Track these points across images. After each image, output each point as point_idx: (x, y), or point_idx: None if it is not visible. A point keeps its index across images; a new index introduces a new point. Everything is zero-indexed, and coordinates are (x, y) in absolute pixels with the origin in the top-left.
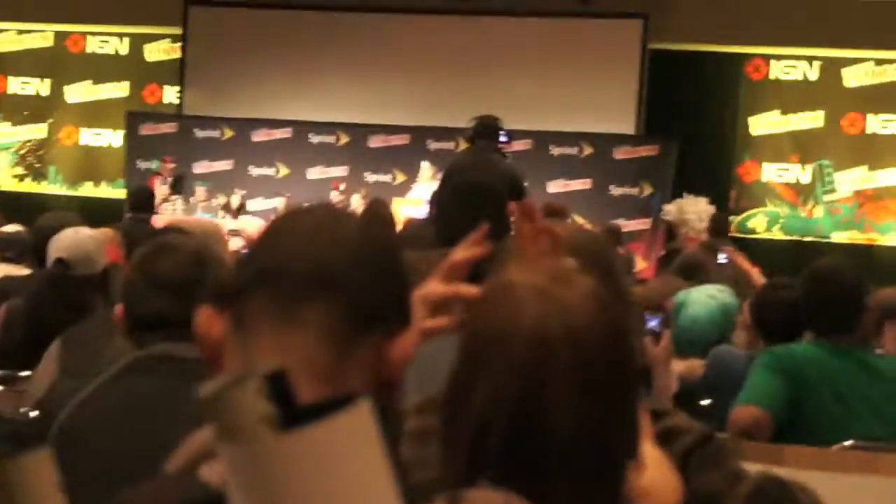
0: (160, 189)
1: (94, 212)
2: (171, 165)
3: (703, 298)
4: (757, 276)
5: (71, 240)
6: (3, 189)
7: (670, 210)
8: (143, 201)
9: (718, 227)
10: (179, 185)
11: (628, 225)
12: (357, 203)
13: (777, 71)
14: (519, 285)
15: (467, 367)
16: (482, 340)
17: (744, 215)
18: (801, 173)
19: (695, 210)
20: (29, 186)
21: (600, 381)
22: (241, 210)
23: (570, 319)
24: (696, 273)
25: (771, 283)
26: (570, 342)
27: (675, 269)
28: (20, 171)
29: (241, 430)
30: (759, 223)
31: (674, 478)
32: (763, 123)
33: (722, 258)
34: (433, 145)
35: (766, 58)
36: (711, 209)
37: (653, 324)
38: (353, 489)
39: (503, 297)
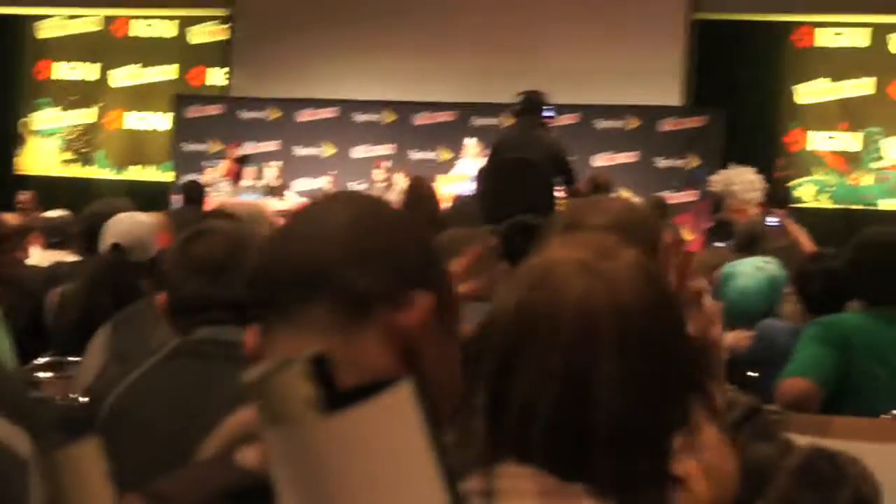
0: (208, 174)
1: (141, 195)
2: (237, 149)
3: (751, 270)
4: (808, 244)
5: (127, 225)
6: (52, 174)
7: (716, 181)
8: (194, 195)
9: (775, 197)
10: (246, 166)
11: (675, 197)
12: (400, 181)
13: (824, 38)
14: (562, 261)
15: (510, 345)
16: (527, 317)
17: (791, 184)
18: (850, 141)
19: (741, 180)
20: (77, 171)
21: (648, 354)
22: (282, 188)
23: (616, 293)
24: (755, 244)
25: (812, 254)
26: (616, 315)
27: (735, 240)
28: (68, 156)
29: (286, 414)
30: (807, 192)
31: (732, 460)
32: (811, 91)
33: (772, 221)
34: (478, 121)
35: (813, 25)
36: (758, 179)
37: None
38: (397, 469)
39: (547, 274)
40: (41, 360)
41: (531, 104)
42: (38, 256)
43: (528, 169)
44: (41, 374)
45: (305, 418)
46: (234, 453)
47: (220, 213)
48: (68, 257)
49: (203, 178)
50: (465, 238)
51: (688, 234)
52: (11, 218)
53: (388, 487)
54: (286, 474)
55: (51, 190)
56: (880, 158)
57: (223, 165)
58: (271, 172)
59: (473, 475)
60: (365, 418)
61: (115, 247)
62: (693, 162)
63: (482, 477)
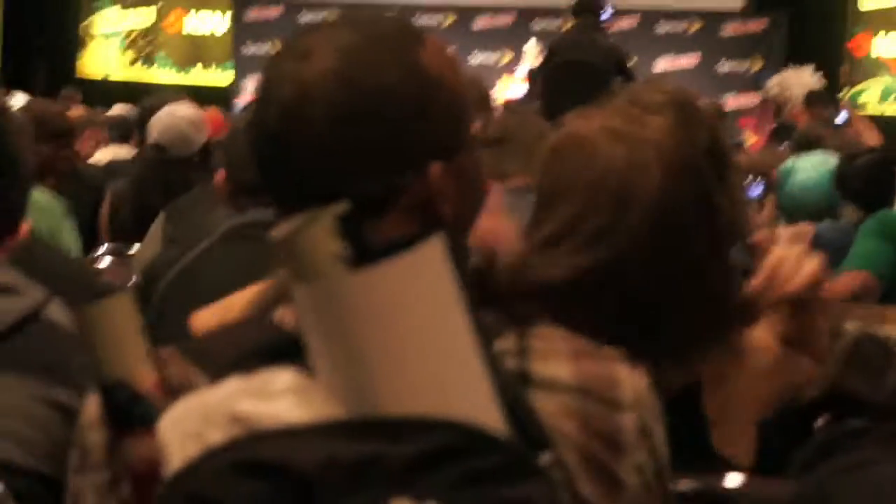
0: None
1: (203, 98)
2: None
3: (813, 164)
4: (873, 139)
5: (165, 123)
6: (114, 78)
7: (773, 84)
8: None
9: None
10: None
11: (737, 101)
12: None
13: None
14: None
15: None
16: (554, 188)
17: (855, 89)
18: None
19: (799, 82)
20: (139, 73)
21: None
22: None
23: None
24: (813, 145)
25: (849, 153)
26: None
27: (793, 141)
28: (131, 56)
29: (314, 269)
30: (871, 97)
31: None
32: None
33: (841, 118)
34: (539, 25)
35: None
36: (817, 79)
37: (756, 192)
38: (428, 325)
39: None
40: (102, 250)
41: (588, 5)
42: (101, 153)
43: (587, 71)
44: (102, 264)
45: (333, 273)
46: (271, 314)
47: None
48: (130, 152)
49: None
50: (519, 124)
51: (751, 137)
52: (73, 112)
53: (420, 342)
54: (315, 330)
55: (113, 92)
56: None
57: None
58: None
59: (506, 335)
60: (395, 273)
61: (155, 146)
62: (756, 65)
63: (515, 336)
